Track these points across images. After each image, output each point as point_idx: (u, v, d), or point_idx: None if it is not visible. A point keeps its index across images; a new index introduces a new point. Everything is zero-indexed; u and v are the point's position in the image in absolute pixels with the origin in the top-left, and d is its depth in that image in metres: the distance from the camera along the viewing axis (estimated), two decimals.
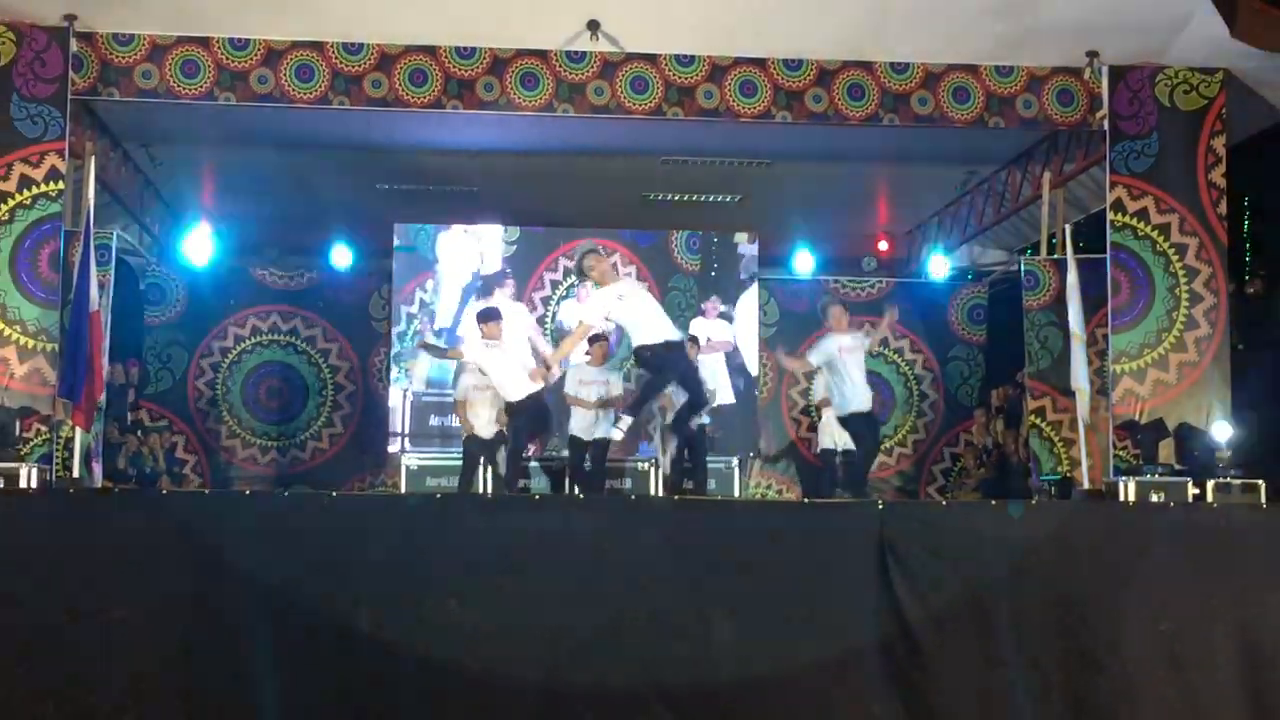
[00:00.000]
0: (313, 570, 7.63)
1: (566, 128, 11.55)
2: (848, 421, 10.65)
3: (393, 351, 13.73)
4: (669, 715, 7.51)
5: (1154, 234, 10.77)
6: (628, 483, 13.04)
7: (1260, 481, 9.53)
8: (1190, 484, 9.61)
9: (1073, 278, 10.63)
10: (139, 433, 12.98)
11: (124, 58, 10.48)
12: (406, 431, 13.40)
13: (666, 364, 9.88)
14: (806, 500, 9.74)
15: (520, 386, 10.45)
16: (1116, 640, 7.84)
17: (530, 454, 11.08)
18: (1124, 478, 9.80)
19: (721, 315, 13.74)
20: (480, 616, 7.61)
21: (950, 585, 7.85)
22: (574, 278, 13.11)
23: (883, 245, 16.31)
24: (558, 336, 13.07)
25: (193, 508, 7.97)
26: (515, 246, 13.76)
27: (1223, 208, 10.82)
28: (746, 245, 13.80)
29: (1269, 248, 14.50)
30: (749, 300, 14.01)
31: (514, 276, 13.54)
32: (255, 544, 7.66)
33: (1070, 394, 10.81)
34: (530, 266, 13.72)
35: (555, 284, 13.76)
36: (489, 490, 11.14)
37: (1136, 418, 10.53)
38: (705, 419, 11.59)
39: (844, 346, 10.48)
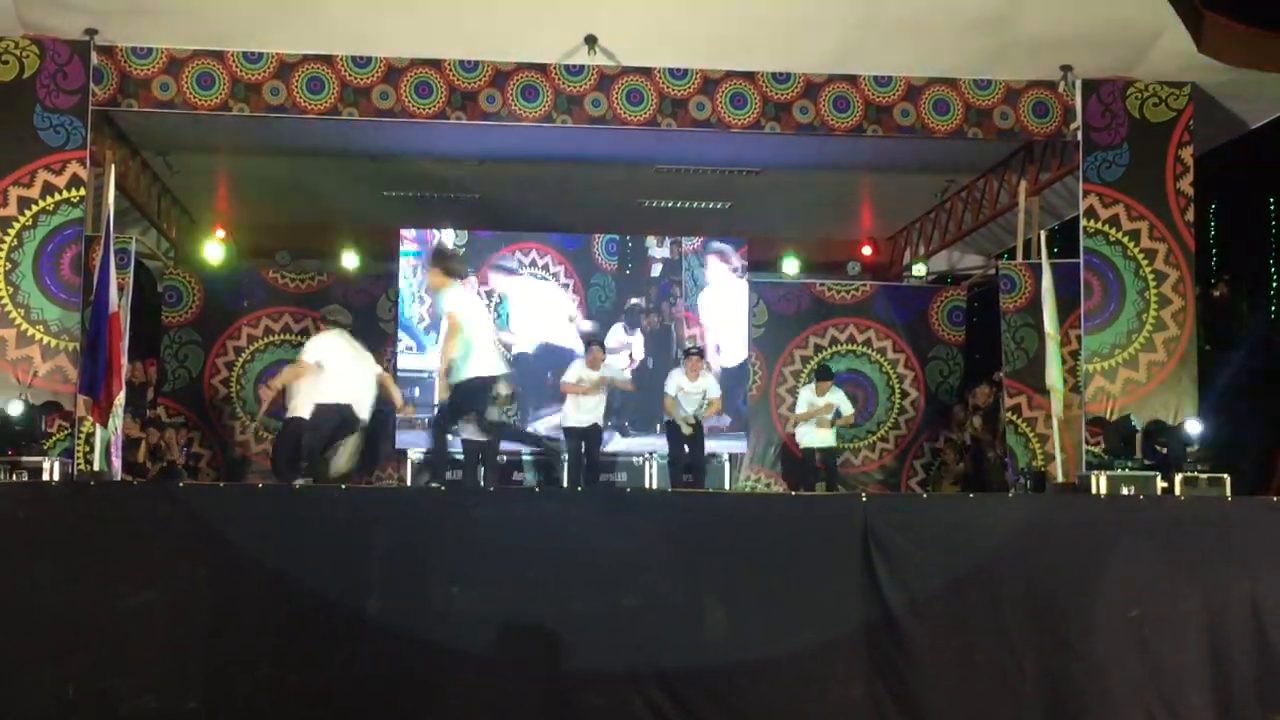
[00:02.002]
0: (322, 559, 7.63)
1: (565, 137, 11.55)
2: None
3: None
4: (663, 696, 7.53)
5: (1125, 240, 10.80)
6: (623, 476, 13.11)
7: (1225, 475, 9.58)
8: (1159, 478, 9.65)
9: (1047, 281, 10.64)
10: (157, 428, 12.96)
11: (143, 70, 10.49)
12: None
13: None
14: (795, 493, 9.77)
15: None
16: (1088, 625, 7.87)
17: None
18: (1096, 472, 9.83)
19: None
20: (482, 602, 7.62)
21: (930, 573, 7.87)
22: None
23: (866, 250, 16.33)
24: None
25: (208, 500, 7.97)
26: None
27: (1190, 215, 10.85)
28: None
29: (1234, 253, 14.55)
30: (738, 302, 14.13)
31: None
32: (268, 534, 7.66)
33: (1045, 392, 10.83)
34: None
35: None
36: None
37: (1108, 414, 10.56)
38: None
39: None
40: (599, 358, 12.13)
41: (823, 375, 12.84)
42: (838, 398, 12.69)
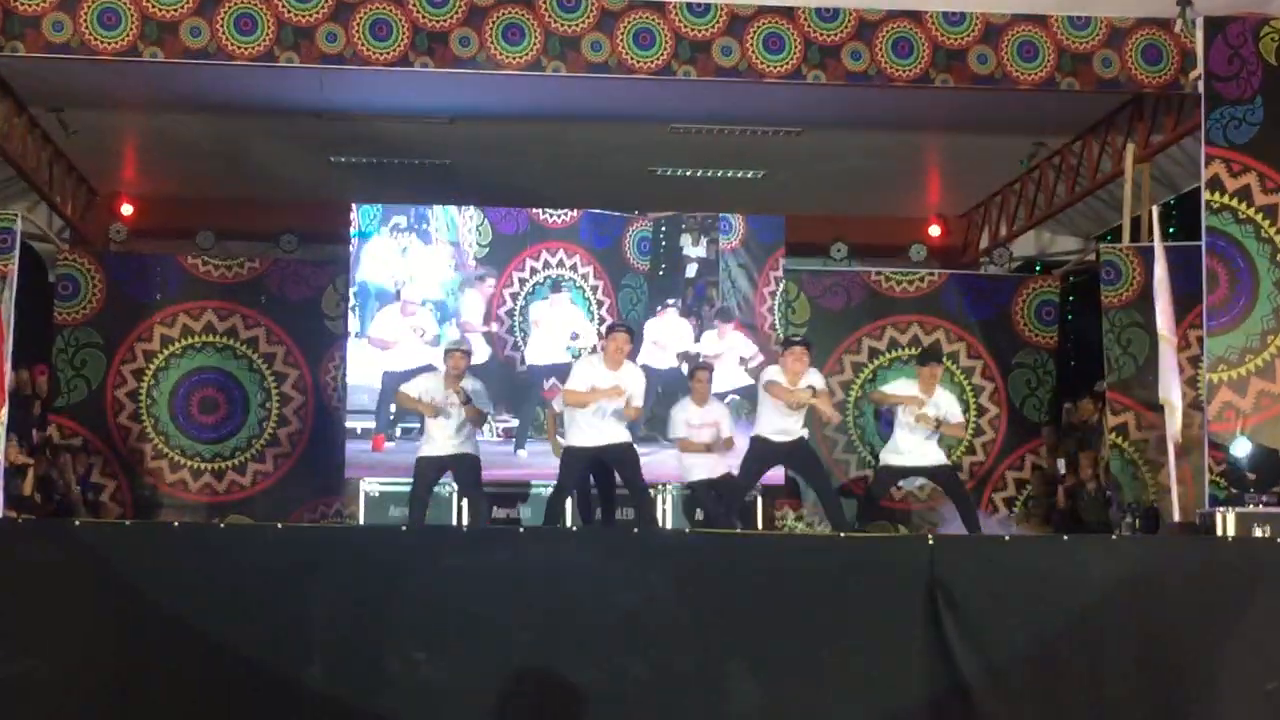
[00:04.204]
0: (255, 615, 7.65)
1: (557, 90, 11.57)
2: None
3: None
4: None
5: (1258, 217, 10.76)
6: (629, 512, 13.06)
7: None
8: None
9: (1161, 270, 10.61)
10: (47, 453, 12.98)
11: (30, 6, 10.51)
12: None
13: None
14: (842, 534, 9.74)
15: None
16: (1212, 701, 7.87)
17: None
18: (1222, 508, 9.79)
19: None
20: (452, 672, 7.64)
21: (1014, 635, 7.88)
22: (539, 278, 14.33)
23: (934, 230, 16.31)
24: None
25: (113, 542, 7.98)
26: (486, 249, 14.14)
27: None
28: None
29: None
30: (767, 298, 14.29)
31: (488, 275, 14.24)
32: (187, 584, 7.68)
33: (1158, 408, 10.80)
34: (501, 266, 14.17)
35: (523, 281, 14.25)
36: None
37: (1237, 437, 10.52)
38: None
39: None
40: (622, 348, 10.68)
41: (930, 358, 11.56)
42: (946, 400, 11.28)
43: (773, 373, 10.93)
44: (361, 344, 13.81)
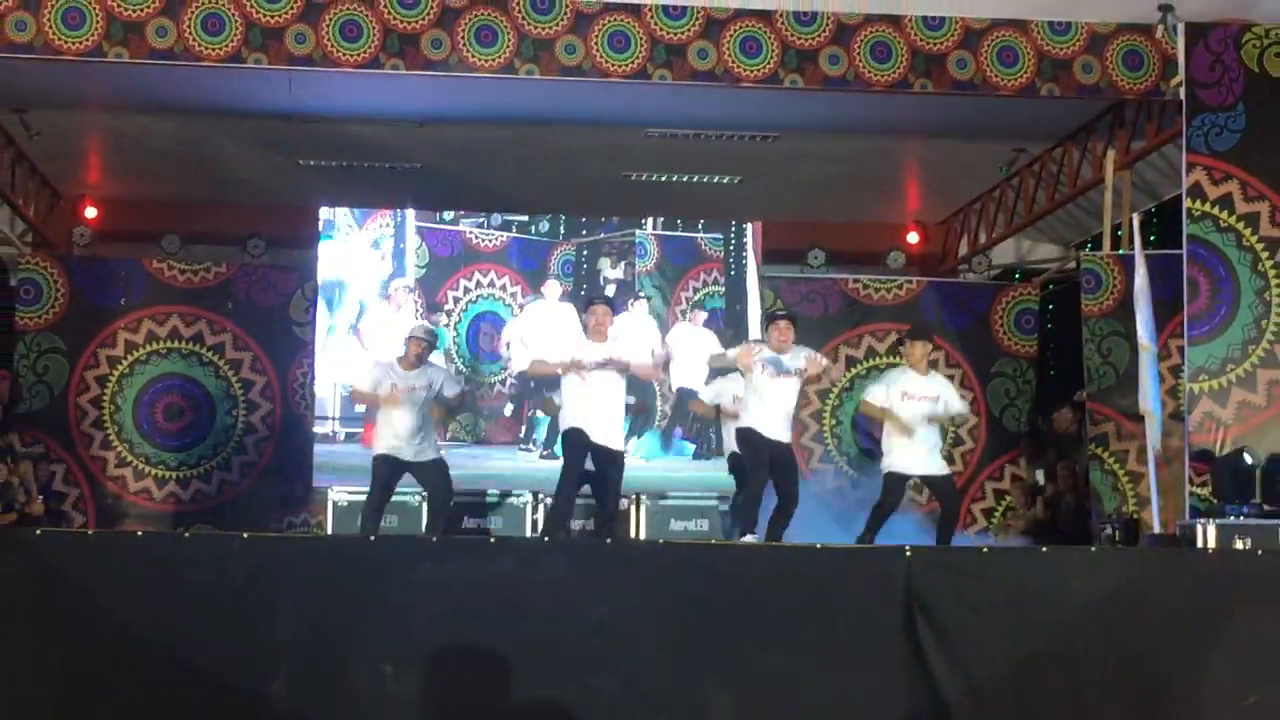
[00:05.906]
0: (218, 629, 7.61)
1: (530, 93, 11.54)
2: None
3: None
4: None
5: (1239, 226, 10.77)
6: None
7: None
8: None
9: (1141, 278, 10.62)
10: (8, 460, 12.90)
11: None
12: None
13: None
14: (819, 545, 9.70)
15: None
16: (1194, 716, 7.87)
17: None
18: (1203, 520, 9.80)
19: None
20: (421, 687, 7.61)
21: (994, 651, 7.88)
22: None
23: (912, 237, 16.34)
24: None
25: (72, 552, 7.93)
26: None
27: None
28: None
29: None
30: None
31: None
32: (149, 596, 7.65)
33: (1138, 418, 10.82)
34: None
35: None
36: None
37: (1217, 447, 10.54)
38: None
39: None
40: (605, 322, 10.28)
41: (918, 335, 11.02)
42: (943, 387, 10.83)
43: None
44: (329, 350, 13.86)
